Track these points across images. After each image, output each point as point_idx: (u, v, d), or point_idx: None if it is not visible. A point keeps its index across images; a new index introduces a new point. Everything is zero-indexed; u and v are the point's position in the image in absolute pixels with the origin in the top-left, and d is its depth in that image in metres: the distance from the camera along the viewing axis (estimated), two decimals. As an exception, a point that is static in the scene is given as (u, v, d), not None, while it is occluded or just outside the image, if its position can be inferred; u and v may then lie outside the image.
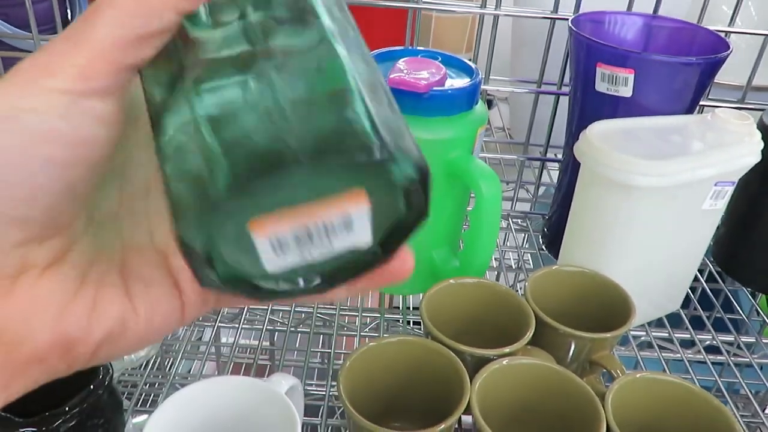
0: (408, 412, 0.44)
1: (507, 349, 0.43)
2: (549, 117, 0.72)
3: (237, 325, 0.59)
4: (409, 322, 0.73)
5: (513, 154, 0.91)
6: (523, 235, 0.75)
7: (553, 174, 0.86)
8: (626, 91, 0.52)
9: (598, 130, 0.50)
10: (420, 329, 0.65)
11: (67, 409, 0.38)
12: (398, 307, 0.77)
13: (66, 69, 0.18)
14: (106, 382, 0.40)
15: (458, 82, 0.52)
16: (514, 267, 0.76)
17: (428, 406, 0.43)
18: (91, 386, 0.39)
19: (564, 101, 0.68)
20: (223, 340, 1.00)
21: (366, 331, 0.65)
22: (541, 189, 0.80)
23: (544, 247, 0.67)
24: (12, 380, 0.19)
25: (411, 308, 0.77)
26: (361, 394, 0.41)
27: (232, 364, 0.78)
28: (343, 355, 0.87)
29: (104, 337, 0.20)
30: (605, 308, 0.49)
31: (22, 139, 0.18)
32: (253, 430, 0.38)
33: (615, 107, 0.54)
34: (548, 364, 0.41)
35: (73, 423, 0.38)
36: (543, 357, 0.44)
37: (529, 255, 0.85)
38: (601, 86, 0.53)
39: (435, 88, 0.49)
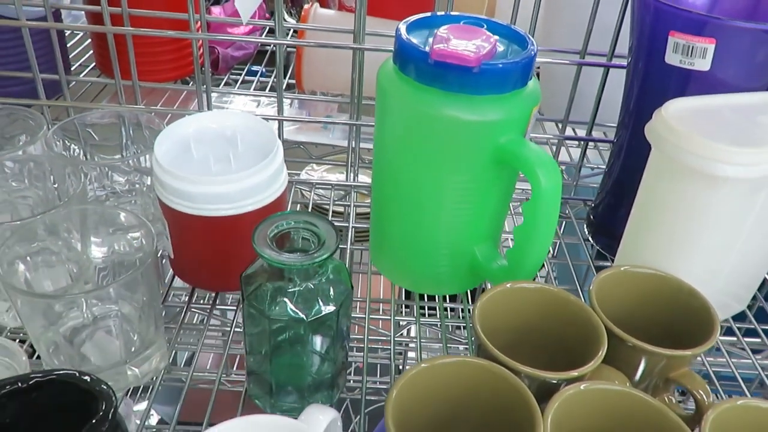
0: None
1: (576, 372, 0.37)
2: (586, 91, 0.65)
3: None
4: (423, 308, 0.67)
5: (542, 132, 0.84)
6: (561, 222, 0.68)
7: (590, 154, 0.79)
8: (703, 64, 0.45)
9: (676, 109, 0.43)
10: (433, 317, 0.58)
11: (64, 451, 0.31)
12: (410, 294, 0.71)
13: None
14: (110, 416, 0.34)
15: (508, 53, 0.44)
16: (550, 257, 0.69)
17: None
18: (93, 421, 0.33)
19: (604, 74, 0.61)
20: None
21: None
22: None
23: (590, 237, 0.61)
24: None
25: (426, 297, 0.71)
26: (411, 421, 0.35)
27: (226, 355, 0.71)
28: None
29: None
30: (679, 317, 0.43)
31: None
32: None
33: (686, 83, 0.47)
34: (634, 392, 0.35)
35: (71, 468, 0.31)
36: (618, 378, 0.38)
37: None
38: (672, 58, 0.46)
39: (486, 62, 0.42)
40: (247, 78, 0.92)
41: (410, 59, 0.43)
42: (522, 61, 0.43)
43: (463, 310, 0.61)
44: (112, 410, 0.34)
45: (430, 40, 0.44)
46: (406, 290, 0.98)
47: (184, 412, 0.46)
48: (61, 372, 0.36)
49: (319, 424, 0.32)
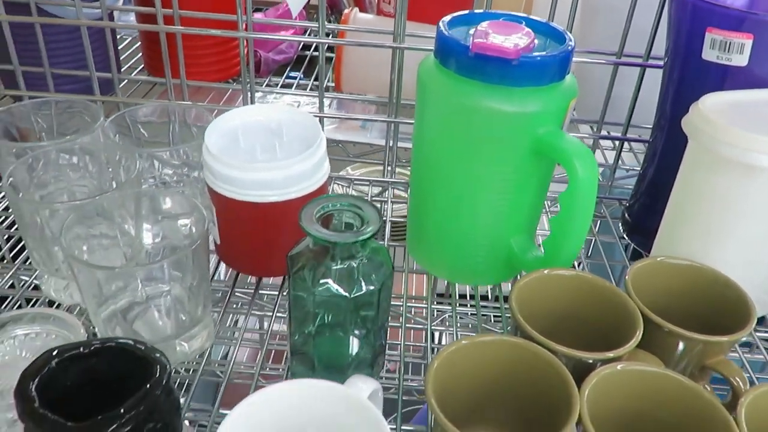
0: (497, 420, 0.39)
1: (611, 354, 0.38)
2: (620, 93, 0.65)
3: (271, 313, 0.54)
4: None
5: (577, 132, 0.84)
6: (596, 221, 0.69)
7: (624, 157, 0.79)
8: (740, 60, 0.46)
9: (713, 102, 0.43)
10: (469, 316, 0.59)
11: (122, 411, 0.33)
12: (442, 294, 0.72)
13: None
14: (164, 381, 0.36)
15: (546, 48, 0.46)
16: (584, 256, 0.70)
17: (522, 413, 0.38)
18: (148, 386, 0.35)
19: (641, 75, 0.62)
20: (265, 326, 0.96)
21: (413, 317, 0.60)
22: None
23: (625, 235, 0.61)
24: None
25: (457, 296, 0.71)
26: (450, 397, 0.36)
27: (265, 349, 0.73)
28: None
29: None
30: (715, 308, 0.43)
31: None
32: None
33: (723, 79, 0.48)
34: (670, 373, 0.36)
35: (128, 428, 0.33)
36: (653, 362, 0.39)
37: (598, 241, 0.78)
38: (709, 54, 0.47)
39: (525, 54, 0.43)
40: (286, 82, 0.95)
41: (451, 52, 0.45)
42: (560, 55, 0.44)
43: (498, 308, 0.62)
44: (166, 376, 0.36)
45: (470, 34, 0.45)
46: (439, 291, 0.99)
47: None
48: (119, 340, 0.38)
49: (362, 392, 0.33)
